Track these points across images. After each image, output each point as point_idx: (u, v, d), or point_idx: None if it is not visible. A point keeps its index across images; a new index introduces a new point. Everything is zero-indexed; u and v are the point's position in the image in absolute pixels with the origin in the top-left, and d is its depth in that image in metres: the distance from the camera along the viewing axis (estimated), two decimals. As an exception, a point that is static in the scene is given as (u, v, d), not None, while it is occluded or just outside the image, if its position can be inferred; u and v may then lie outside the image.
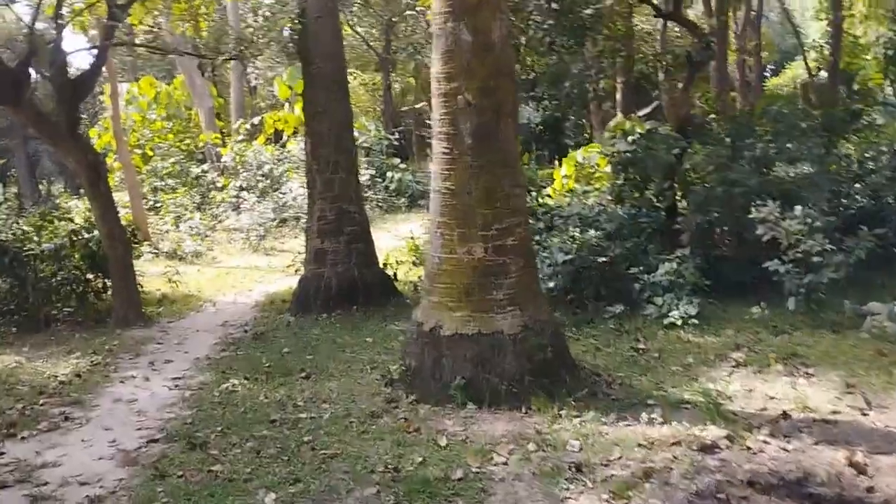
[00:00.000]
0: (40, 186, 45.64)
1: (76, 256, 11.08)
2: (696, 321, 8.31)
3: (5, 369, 8.19)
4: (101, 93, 27.26)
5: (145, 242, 18.85)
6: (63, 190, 39.77)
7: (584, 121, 28.92)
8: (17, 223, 11.30)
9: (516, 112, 6.80)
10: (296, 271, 13.00)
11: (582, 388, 6.27)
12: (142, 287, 12.97)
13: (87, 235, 11.22)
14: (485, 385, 6.16)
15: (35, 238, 11.03)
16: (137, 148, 24.38)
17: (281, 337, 9.38)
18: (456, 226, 6.42)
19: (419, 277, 13.01)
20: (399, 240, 16.42)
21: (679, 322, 8.32)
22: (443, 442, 5.33)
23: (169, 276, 13.52)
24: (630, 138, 10.10)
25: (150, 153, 24.37)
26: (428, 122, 43.36)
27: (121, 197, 21.74)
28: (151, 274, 15.32)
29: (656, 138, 9.97)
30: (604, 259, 9.36)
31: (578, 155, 15.86)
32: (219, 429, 5.85)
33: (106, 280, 11.22)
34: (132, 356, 8.78)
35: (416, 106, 45.21)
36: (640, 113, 10.79)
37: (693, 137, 10.57)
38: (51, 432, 6.05)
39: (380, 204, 23.24)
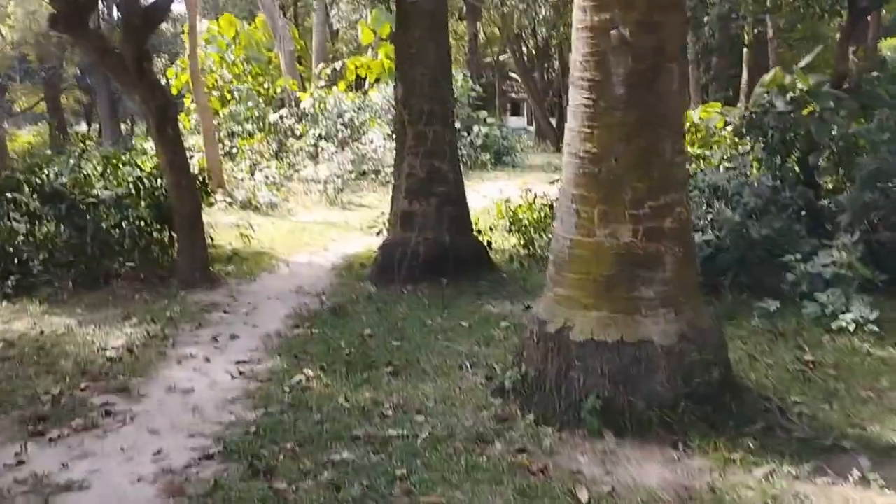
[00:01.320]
0: (122, 126, 45.79)
1: (141, 206, 10.06)
2: (874, 327, 6.69)
3: (52, 336, 7.18)
4: (182, 32, 26.47)
5: (219, 190, 17.95)
6: (145, 132, 39.63)
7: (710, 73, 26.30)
8: (80, 167, 10.29)
9: (680, 56, 5.26)
10: (378, 233, 11.74)
11: (753, 420, 4.81)
12: (212, 241, 11.98)
13: (153, 184, 10.19)
14: (627, 409, 4.76)
15: (97, 184, 10.05)
16: (215, 90, 23.43)
17: (362, 313, 8.13)
18: (597, 200, 4.97)
19: (514, 246, 11.62)
20: (487, 200, 14.99)
21: (852, 327, 6.71)
22: (583, 496, 3.97)
23: (241, 231, 12.46)
24: (789, 95, 8.38)
25: (228, 96, 23.40)
26: (512, 74, 41.55)
27: (196, 141, 20.91)
28: (223, 225, 14.36)
29: (823, 96, 8.21)
30: (748, 241, 7.79)
31: (695, 114, 14.05)
32: (288, 446, 4.61)
33: (173, 234, 10.18)
34: (194, 327, 7.68)
35: (500, 58, 43.45)
36: (801, 64, 8.96)
37: (858, 98, 8.77)
38: (85, 432, 4.92)
39: (464, 160, 21.79)
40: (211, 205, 17.92)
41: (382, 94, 22.55)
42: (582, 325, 4.97)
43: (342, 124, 21.74)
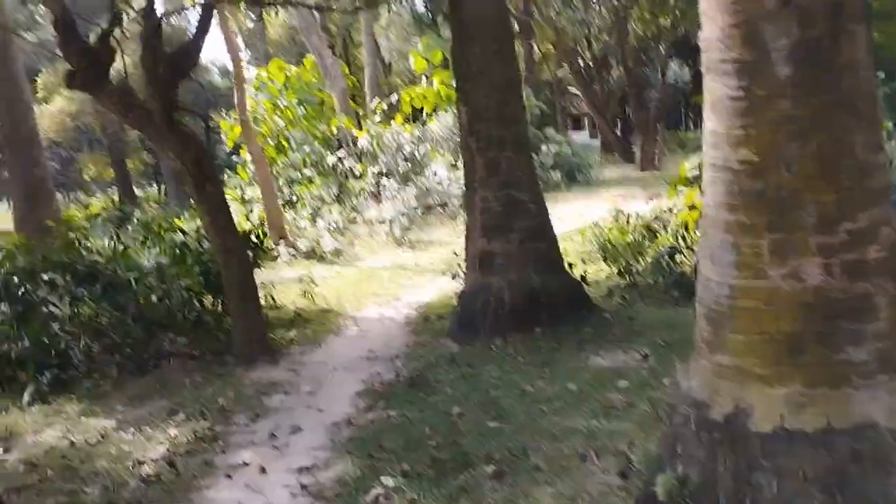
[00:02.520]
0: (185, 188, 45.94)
1: (187, 275, 9.00)
2: None
3: (83, 448, 6.03)
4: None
5: (281, 242, 17.02)
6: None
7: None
8: (117, 236, 9.30)
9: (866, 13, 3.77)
10: (453, 276, 10.44)
11: None
12: (273, 302, 10.91)
13: (199, 248, 9.13)
14: (853, 532, 3.25)
15: (138, 255, 9.04)
16: (270, 138, 22.68)
17: (445, 382, 6.76)
18: (765, 228, 3.49)
19: (609, 276, 10.13)
20: (567, 224, 13.58)
21: None
22: None
23: (304, 288, 11.33)
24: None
25: (285, 143, 22.61)
26: (570, 88, 40.05)
27: (254, 193, 20.09)
28: (286, 281, 13.32)
29: None
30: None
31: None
32: None
33: (225, 302, 9.08)
34: (250, 418, 6.44)
35: (557, 73, 41.99)
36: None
37: None
38: None
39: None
40: (274, 259, 17.06)
41: (442, 123, 21.39)
42: (764, 408, 3.48)
43: (402, 159, 20.64)
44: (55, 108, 30.44)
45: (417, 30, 24.66)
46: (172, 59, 8.41)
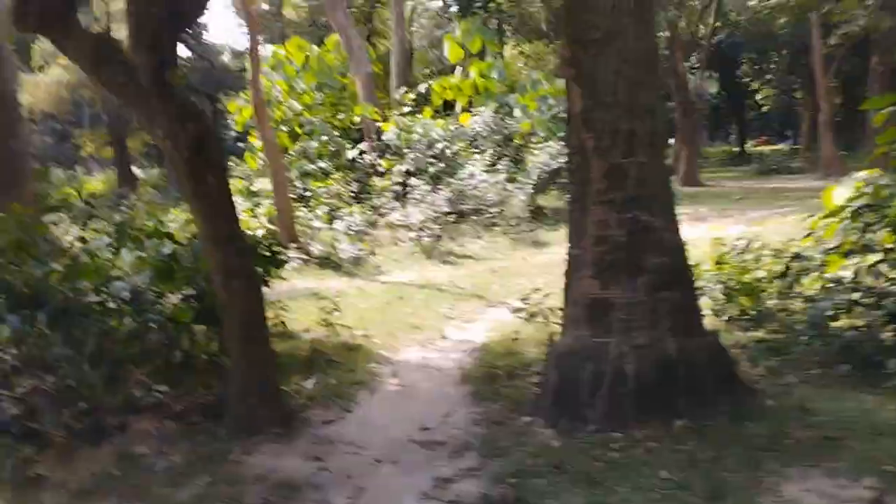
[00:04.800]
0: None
1: (172, 298, 6.55)
2: None
3: None
4: (245, 63, 23.49)
5: (292, 245, 14.56)
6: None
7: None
8: (82, 240, 6.81)
9: None
10: (515, 311, 8.00)
11: None
12: (283, 326, 8.49)
13: (194, 264, 6.66)
14: None
15: (107, 268, 6.57)
16: (283, 124, 20.21)
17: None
18: None
19: (727, 329, 7.65)
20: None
21: None
22: None
23: (324, 315, 8.88)
24: None
25: (299, 130, 20.14)
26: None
27: (263, 185, 17.63)
28: (298, 296, 10.90)
29: None
30: None
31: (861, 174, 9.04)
32: None
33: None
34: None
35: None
36: None
37: None
38: None
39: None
40: (283, 264, 14.58)
41: (479, 119, 18.92)
42: None
43: (433, 156, 18.16)
44: (50, 78, 27.93)
45: (455, 13, 22.22)
46: (173, 0, 5.93)
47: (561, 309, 6.30)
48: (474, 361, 7.80)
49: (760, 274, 8.11)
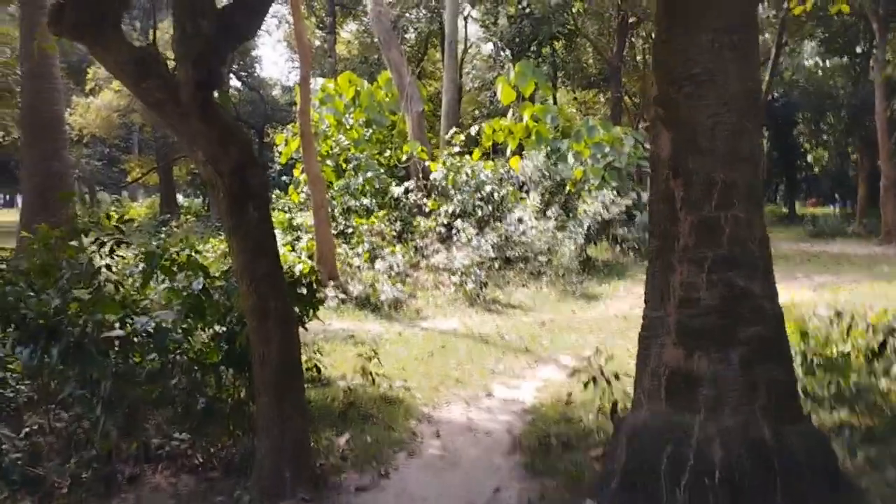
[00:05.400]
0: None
1: (201, 339, 5.95)
2: None
3: None
4: (295, 98, 23.28)
5: (330, 283, 14.02)
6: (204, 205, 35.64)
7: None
8: (108, 268, 6.25)
9: None
10: (572, 374, 7.26)
11: None
12: (317, 373, 7.87)
13: (226, 301, 6.06)
14: None
15: (138, 299, 6.01)
16: (329, 159, 19.85)
17: None
18: None
19: (814, 411, 6.81)
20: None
21: None
22: None
23: (362, 362, 8.22)
24: None
25: (344, 165, 19.74)
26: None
27: (305, 219, 17.18)
28: (334, 337, 10.30)
29: None
30: None
31: None
32: None
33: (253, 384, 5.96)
34: None
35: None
36: None
37: None
38: None
39: (636, 246, 17.14)
40: (321, 302, 13.99)
41: (530, 162, 18.33)
42: None
43: (480, 199, 17.57)
44: (102, 101, 28.09)
45: (507, 58, 21.80)
46: (224, 13, 5.43)
47: (627, 375, 5.56)
48: (523, 424, 7.06)
49: (846, 347, 7.28)
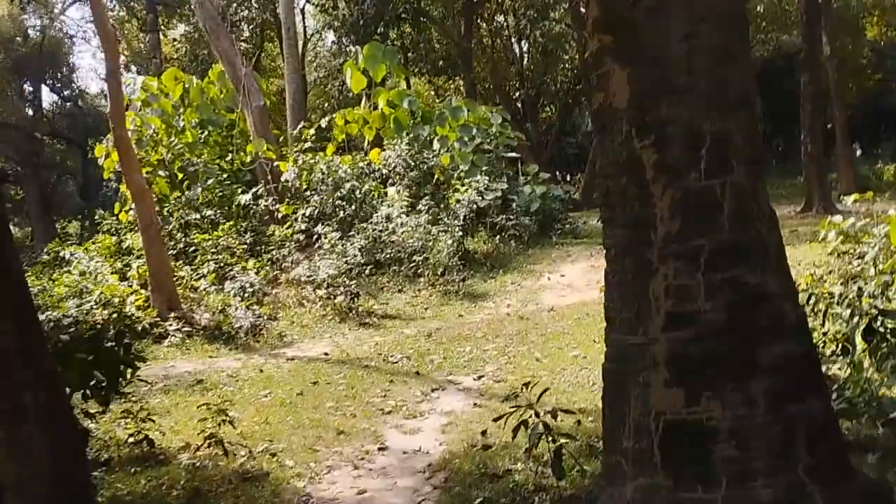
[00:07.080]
0: (58, 227, 39.30)
1: None
2: None
3: None
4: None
5: (171, 314, 11.70)
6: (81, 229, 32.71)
7: None
8: None
9: None
10: (519, 427, 5.49)
11: None
12: (149, 447, 5.76)
13: None
14: None
15: None
16: (161, 169, 17.23)
17: None
18: None
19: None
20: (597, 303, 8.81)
21: None
22: None
23: (211, 427, 6.11)
24: None
25: (180, 175, 17.19)
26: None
27: (134, 240, 14.60)
28: (176, 385, 8.24)
29: None
30: None
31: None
32: None
33: None
34: None
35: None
36: None
37: None
38: None
39: (515, 233, 15.63)
40: (159, 339, 11.65)
41: (391, 154, 16.51)
42: None
43: (341, 199, 15.58)
44: None
45: (354, 39, 19.78)
46: None
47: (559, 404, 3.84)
48: (437, 493, 5.24)
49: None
